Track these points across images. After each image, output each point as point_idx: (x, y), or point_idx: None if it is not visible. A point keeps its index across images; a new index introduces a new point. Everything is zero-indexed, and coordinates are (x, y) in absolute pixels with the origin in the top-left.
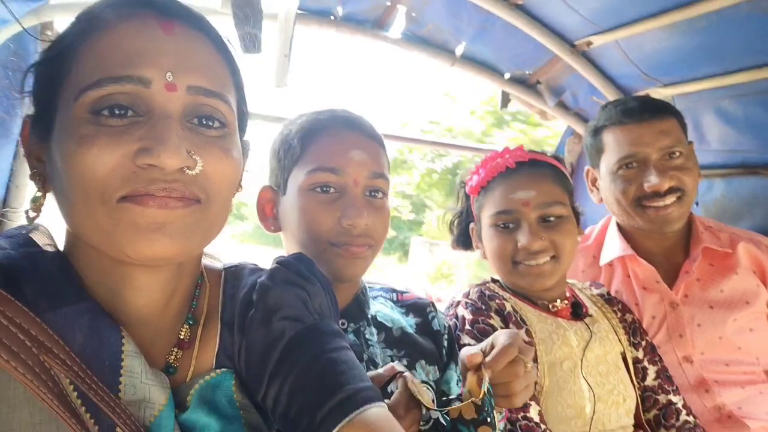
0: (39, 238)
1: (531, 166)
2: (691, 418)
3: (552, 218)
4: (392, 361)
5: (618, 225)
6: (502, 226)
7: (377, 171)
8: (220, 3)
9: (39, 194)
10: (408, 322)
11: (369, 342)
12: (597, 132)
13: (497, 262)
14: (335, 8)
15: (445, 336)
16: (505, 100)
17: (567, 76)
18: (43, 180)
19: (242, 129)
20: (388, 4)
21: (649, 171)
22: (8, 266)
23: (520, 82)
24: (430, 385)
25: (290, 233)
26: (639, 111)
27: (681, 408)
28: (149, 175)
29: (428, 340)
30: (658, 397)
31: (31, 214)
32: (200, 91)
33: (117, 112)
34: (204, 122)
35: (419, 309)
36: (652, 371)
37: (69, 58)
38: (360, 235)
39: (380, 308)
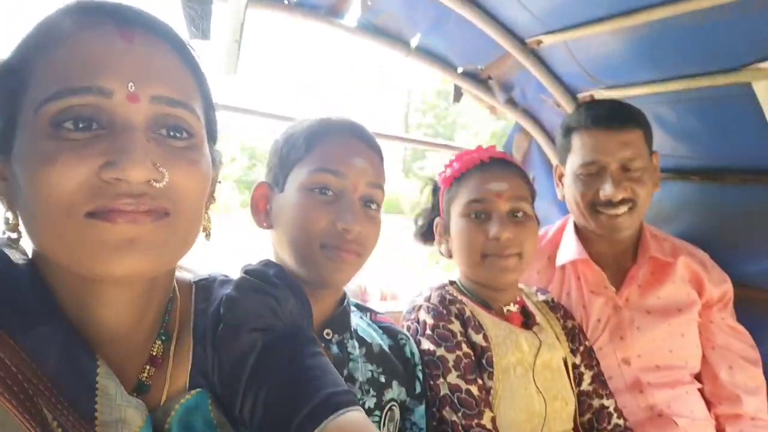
0: (11, 251)
1: (503, 164)
2: (621, 421)
3: (520, 214)
4: (372, 376)
5: (575, 227)
6: (474, 216)
7: (376, 181)
8: None
9: (9, 214)
10: (384, 342)
11: (351, 356)
12: (567, 132)
13: (465, 254)
14: None
15: (419, 368)
16: (458, 94)
17: (517, 73)
18: (9, 199)
19: (212, 138)
20: None
21: (605, 179)
22: None
23: (472, 76)
24: (398, 403)
25: (282, 230)
26: (606, 119)
27: (612, 411)
28: (115, 190)
29: (399, 362)
30: (592, 401)
31: (12, 235)
32: (164, 101)
33: (80, 125)
34: (170, 133)
35: (391, 333)
36: (587, 376)
37: (27, 70)
38: (351, 241)
39: (359, 322)
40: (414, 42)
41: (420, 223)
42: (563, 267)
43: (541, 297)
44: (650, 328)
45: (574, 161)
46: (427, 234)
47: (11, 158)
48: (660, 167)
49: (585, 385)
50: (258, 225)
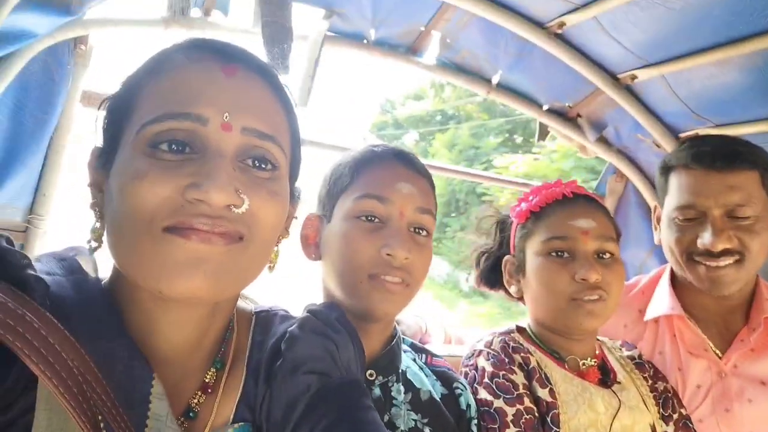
0: (85, 265)
1: (588, 200)
2: None
3: (607, 255)
4: (416, 426)
5: (672, 278)
6: (555, 254)
7: (424, 206)
8: (252, 22)
9: (98, 225)
10: (436, 389)
11: (394, 401)
12: (665, 171)
13: (547, 296)
14: (368, 32)
15: (474, 422)
16: (543, 132)
17: (609, 111)
18: (101, 210)
19: (294, 175)
20: (422, 29)
21: (706, 227)
22: (58, 294)
23: (559, 114)
24: None
25: (330, 261)
26: (711, 157)
27: None
28: (195, 209)
29: (452, 414)
30: None
31: (93, 244)
32: (254, 133)
33: (174, 147)
34: (256, 163)
35: (447, 381)
36: None
37: (135, 95)
38: (399, 268)
39: (410, 365)
40: (495, 79)
41: (483, 264)
42: (656, 322)
43: (626, 352)
44: (764, 401)
45: (670, 203)
46: (492, 276)
47: (110, 173)
48: None
49: None
50: (308, 257)
